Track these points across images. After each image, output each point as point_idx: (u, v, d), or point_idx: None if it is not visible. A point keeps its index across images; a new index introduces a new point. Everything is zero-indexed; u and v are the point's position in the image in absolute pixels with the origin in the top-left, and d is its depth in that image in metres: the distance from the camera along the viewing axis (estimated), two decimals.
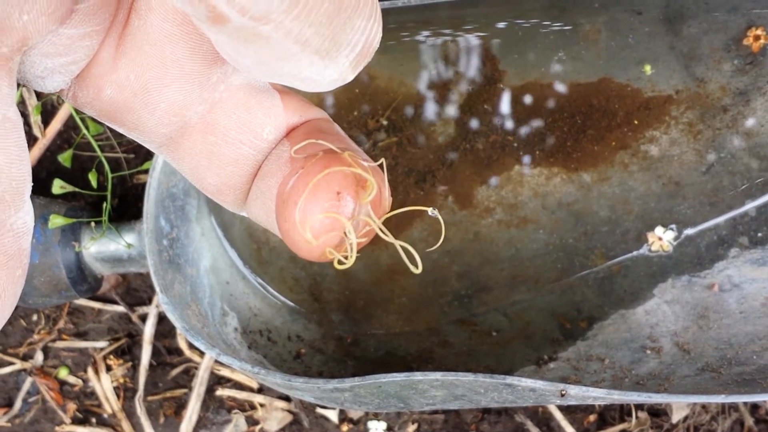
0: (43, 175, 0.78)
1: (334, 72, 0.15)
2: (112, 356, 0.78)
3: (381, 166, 0.19)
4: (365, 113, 0.70)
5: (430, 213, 0.20)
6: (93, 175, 0.70)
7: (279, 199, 0.18)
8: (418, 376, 0.53)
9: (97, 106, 0.18)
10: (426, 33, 0.66)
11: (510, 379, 0.53)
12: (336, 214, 0.17)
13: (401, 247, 0.19)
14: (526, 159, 0.70)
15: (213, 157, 0.19)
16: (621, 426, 0.75)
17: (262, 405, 0.77)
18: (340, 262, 0.18)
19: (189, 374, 0.78)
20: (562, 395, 0.54)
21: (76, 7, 0.16)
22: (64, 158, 0.73)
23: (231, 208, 0.20)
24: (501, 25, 0.65)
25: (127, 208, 0.78)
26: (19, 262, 0.16)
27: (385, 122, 0.70)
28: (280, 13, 0.13)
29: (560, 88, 0.68)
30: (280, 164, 0.19)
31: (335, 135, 0.19)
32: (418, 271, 0.19)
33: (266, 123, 0.19)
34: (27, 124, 0.78)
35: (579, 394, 0.53)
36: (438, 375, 0.53)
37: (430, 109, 0.69)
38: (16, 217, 0.16)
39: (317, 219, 0.17)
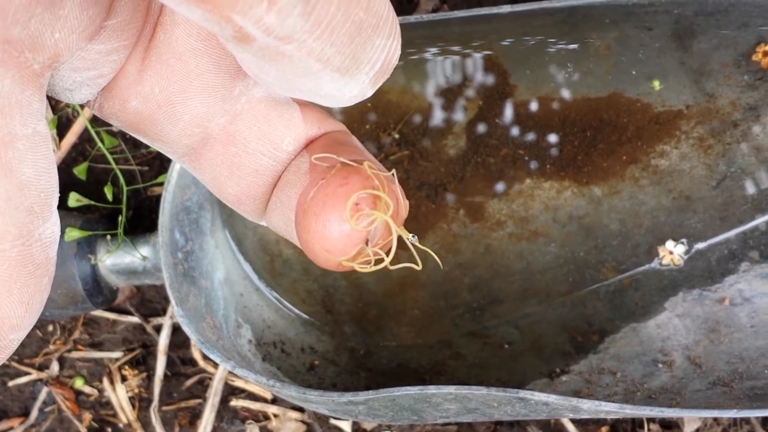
0: None
1: (354, 88, 0.15)
2: (127, 366, 0.79)
3: (393, 175, 0.19)
4: (377, 127, 0.70)
5: (408, 240, 0.20)
6: (108, 189, 0.71)
7: (299, 210, 0.19)
8: (431, 389, 0.54)
9: (122, 117, 0.19)
10: (437, 48, 0.67)
11: (523, 393, 0.53)
12: (375, 213, 0.18)
13: (415, 248, 0.19)
14: (537, 173, 0.70)
15: (233, 168, 0.19)
16: None
17: (276, 415, 0.77)
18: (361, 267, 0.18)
19: (203, 384, 0.78)
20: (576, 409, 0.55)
21: (105, 23, 0.16)
22: (80, 171, 0.74)
23: (250, 217, 0.20)
24: (512, 40, 0.65)
25: (141, 221, 0.79)
26: (46, 270, 0.16)
27: (396, 136, 0.70)
28: (304, 33, 0.13)
29: (571, 102, 0.68)
30: (300, 175, 0.19)
31: (353, 147, 0.19)
32: (419, 268, 0.20)
33: (286, 134, 0.19)
34: None
35: (592, 408, 0.54)
36: (452, 388, 0.53)
37: (442, 123, 0.70)
38: (44, 228, 0.16)
39: (336, 230, 0.18)
